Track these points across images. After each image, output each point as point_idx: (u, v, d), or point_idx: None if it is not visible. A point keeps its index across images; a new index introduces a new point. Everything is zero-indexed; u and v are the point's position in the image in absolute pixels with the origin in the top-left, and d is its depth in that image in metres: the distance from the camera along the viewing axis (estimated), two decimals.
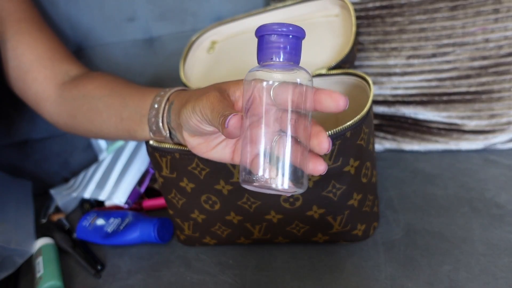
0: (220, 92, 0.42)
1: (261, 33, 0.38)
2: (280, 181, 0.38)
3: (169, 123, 0.51)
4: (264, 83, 0.38)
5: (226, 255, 0.61)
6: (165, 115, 0.51)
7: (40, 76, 0.64)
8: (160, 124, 0.51)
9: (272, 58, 0.38)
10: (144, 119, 0.54)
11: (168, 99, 0.51)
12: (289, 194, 0.41)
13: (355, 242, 0.58)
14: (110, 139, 0.67)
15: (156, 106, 0.52)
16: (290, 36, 0.37)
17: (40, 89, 0.64)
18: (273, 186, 0.38)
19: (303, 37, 0.38)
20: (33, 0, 0.71)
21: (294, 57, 0.38)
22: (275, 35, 0.37)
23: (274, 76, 0.37)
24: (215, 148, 0.45)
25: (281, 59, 0.37)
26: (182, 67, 0.71)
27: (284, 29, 0.37)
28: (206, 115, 0.41)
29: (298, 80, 0.37)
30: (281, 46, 0.37)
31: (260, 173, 0.38)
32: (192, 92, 0.48)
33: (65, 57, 0.67)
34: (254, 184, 0.38)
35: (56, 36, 0.69)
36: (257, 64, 0.39)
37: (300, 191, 0.39)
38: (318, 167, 0.39)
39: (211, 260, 0.61)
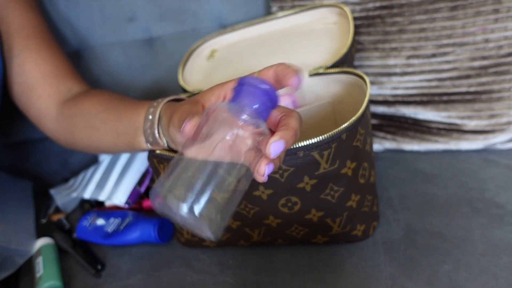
0: (192, 104, 0.42)
1: (248, 85, 0.38)
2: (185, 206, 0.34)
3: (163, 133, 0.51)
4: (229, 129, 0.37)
5: (226, 255, 0.61)
6: (160, 125, 0.51)
7: (45, 93, 0.64)
8: (157, 134, 0.51)
9: (247, 112, 0.37)
10: (139, 132, 0.54)
11: (160, 111, 0.52)
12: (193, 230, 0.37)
13: (355, 242, 0.58)
14: (112, 153, 0.66)
15: (150, 117, 0.52)
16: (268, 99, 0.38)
17: (43, 106, 0.64)
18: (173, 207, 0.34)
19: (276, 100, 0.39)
20: (42, 14, 0.70)
21: (263, 116, 0.38)
22: (262, 97, 0.37)
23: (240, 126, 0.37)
24: None
25: (253, 117, 0.37)
26: (181, 73, 0.71)
27: (268, 90, 0.37)
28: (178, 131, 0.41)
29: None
30: (260, 103, 0.38)
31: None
32: (177, 108, 0.46)
33: (70, 74, 0.66)
34: (156, 198, 0.35)
35: (63, 53, 0.69)
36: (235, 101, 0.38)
37: (207, 233, 0.35)
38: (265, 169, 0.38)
39: (211, 260, 0.61)
